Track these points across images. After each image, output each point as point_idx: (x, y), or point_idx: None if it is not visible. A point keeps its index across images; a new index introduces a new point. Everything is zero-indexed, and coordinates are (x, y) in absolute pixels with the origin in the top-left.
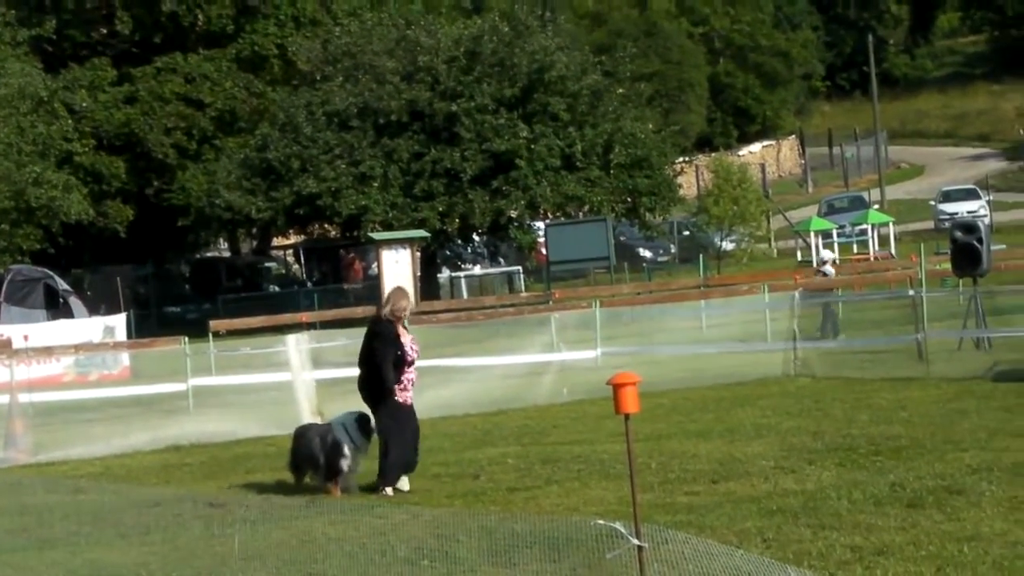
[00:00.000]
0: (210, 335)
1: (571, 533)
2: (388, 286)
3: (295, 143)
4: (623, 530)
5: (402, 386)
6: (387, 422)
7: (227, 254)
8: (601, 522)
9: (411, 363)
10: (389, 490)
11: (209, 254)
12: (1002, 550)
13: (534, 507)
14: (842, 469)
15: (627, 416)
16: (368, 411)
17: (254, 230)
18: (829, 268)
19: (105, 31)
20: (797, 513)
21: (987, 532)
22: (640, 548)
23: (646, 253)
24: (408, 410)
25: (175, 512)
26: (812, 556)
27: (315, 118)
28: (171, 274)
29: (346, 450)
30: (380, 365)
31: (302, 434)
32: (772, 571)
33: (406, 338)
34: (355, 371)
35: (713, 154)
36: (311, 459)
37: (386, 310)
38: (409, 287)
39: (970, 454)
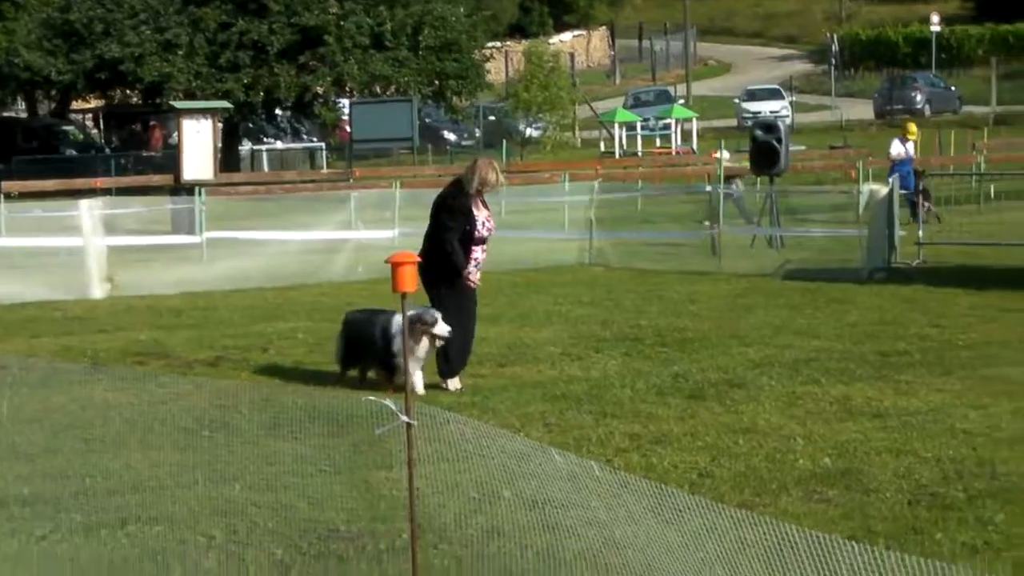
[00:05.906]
0: (1, 196)
1: (352, 410)
2: (188, 155)
3: (99, 5)
4: (393, 407)
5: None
6: (449, 307)
7: (24, 115)
8: (372, 398)
9: (483, 240)
10: (451, 383)
11: (5, 114)
12: (776, 443)
13: (321, 382)
14: (628, 358)
15: (403, 295)
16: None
17: (53, 92)
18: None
19: None
20: (581, 399)
21: (763, 425)
22: (409, 425)
23: (450, 136)
24: (472, 295)
25: None
26: (592, 442)
27: None
28: None
29: (396, 345)
30: (445, 239)
31: (357, 320)
32: (547, 455)
33: (481, 213)
34: (149, 239)
35: (525, 41)
36: (370, 348)
37: (473, 183)
38: (208, 157)
39: (754, 349)
